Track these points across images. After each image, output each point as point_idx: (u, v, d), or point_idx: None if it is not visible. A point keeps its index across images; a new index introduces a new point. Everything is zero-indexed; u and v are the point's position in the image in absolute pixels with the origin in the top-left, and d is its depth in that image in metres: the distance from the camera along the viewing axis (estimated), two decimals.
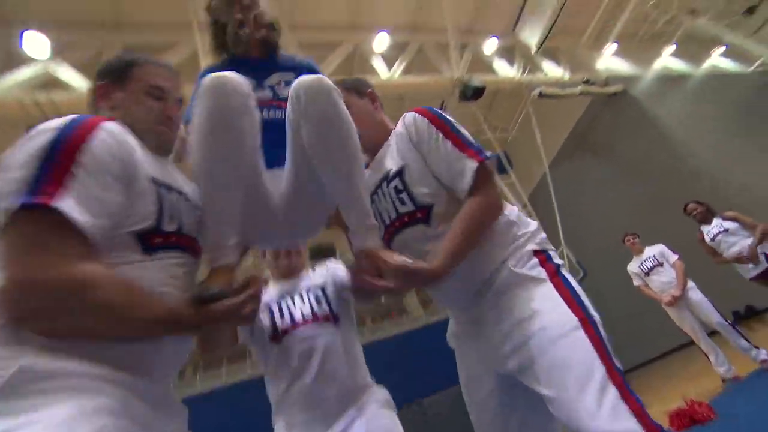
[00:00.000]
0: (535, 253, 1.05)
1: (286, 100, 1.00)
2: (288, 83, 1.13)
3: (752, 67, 8.18)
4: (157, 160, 0.89)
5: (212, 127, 0.86)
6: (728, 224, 3.59)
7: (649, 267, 3.96)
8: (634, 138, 8.15)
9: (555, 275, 1.01)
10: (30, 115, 4.92)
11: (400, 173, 1.12)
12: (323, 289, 1.62)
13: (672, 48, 9.55)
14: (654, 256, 3.96)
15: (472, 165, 1.02)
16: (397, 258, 0.93)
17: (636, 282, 4.11)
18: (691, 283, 3.78)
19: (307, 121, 0.94)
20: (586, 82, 7.83)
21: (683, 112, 7.75)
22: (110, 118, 0.81)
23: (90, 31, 5.71)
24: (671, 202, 6.84)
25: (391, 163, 1.15)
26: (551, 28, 6.92)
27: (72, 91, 5.08)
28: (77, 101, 5.13)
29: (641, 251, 4.10)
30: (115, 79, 0.92)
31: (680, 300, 3.69)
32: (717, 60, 9.31)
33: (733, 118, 7.23)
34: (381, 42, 6.73)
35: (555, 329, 0.91)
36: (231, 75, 0.88)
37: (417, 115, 1.14)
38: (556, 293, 0.97)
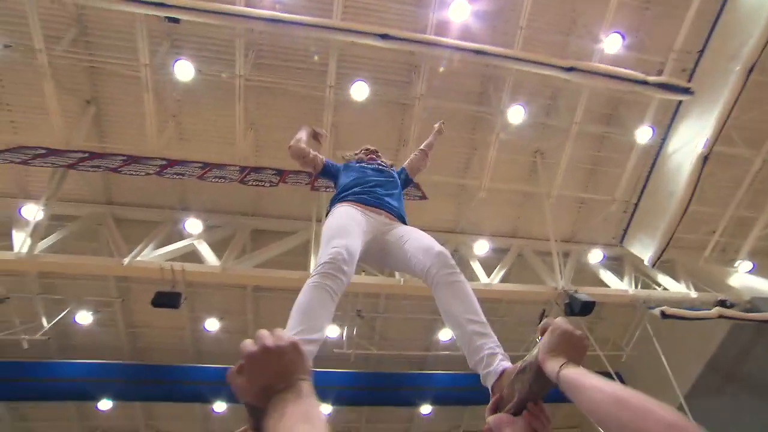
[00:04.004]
0: None
1: (381, 167, 2.40)
2: (381, 165, 2.46)
3: None
4: None
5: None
6: None
7: None
8: None
9: None
10: (164, 279, 5.69)
11: None
12: None
13: None
14: None
15: None
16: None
17: None
18: None
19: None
20: (723, 303, 6.70)
21: None
22: None
23: (231, 216, 6.92)
24: None
25: None
26: (666, 246, 6.48)
27: (201, 265, 5.81)
28: (201, 274, 5.83)
29: None
30: None
31: None
32: None
33: None
34: (481, 247, 6.91)
35: None
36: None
37: None
38: None
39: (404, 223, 2.10)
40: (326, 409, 8.38)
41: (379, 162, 2.47)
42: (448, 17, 5.73)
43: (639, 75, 5.66)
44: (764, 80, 6.30)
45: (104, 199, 6.75)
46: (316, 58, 5.97)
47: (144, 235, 6.20)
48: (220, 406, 7.96)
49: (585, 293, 6.00)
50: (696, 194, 6.36)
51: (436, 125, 2.76)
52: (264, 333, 0.80)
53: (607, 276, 7.23)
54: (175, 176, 5.64)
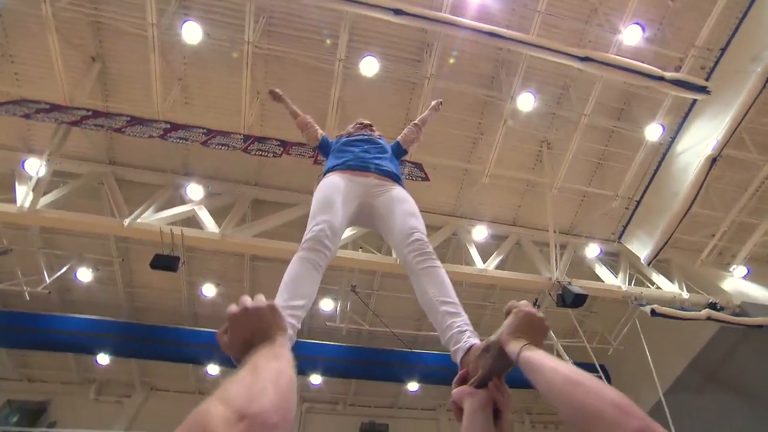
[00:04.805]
0: None
1: (366, 136, 2.40)
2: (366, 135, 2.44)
3: None
4: None
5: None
6: None
7: None
8: None
9: None
10: (164, 242, 5.75)
11: None
12: None
13: None
14: None
15: None
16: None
17: None
18: None
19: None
20: (713, 306, 6.76)
21: None
22: None
23: (233, 184, 6.93)
24: None
25: None
26: (664, 246, 6.49)
27: (201, 231, 5.86)
28: (200, 240, 5.89)
29: None
30: None
31: None
32: None
33: None
34: (479, 233, 6.92)
35: None
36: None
37: None
38: None
39: (397, 181, 2.12)
40: (316, 379, 8.66)
41: (364, 132, 2.47)
42: None
43: (656, 70, 5.51)
44: None
45: (107, 159, 6.75)
46: (327, 41, 5.84)
47: (145, 197, 6.23)
48: (213, 369, 8.20)
49: (578, 286, 6.06)
50: (700, 196, 6.32)
51: (434, 102, 2.84)
52: (245, 297, 0.90)
53: (601, 270, 7.27)
54: (178, 141, 5.62)
